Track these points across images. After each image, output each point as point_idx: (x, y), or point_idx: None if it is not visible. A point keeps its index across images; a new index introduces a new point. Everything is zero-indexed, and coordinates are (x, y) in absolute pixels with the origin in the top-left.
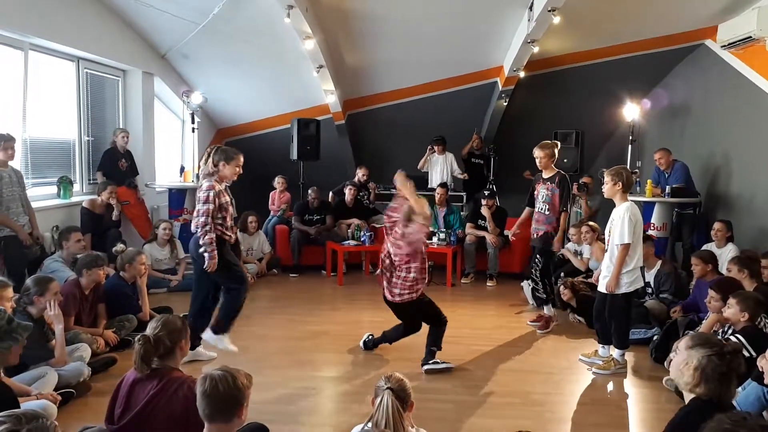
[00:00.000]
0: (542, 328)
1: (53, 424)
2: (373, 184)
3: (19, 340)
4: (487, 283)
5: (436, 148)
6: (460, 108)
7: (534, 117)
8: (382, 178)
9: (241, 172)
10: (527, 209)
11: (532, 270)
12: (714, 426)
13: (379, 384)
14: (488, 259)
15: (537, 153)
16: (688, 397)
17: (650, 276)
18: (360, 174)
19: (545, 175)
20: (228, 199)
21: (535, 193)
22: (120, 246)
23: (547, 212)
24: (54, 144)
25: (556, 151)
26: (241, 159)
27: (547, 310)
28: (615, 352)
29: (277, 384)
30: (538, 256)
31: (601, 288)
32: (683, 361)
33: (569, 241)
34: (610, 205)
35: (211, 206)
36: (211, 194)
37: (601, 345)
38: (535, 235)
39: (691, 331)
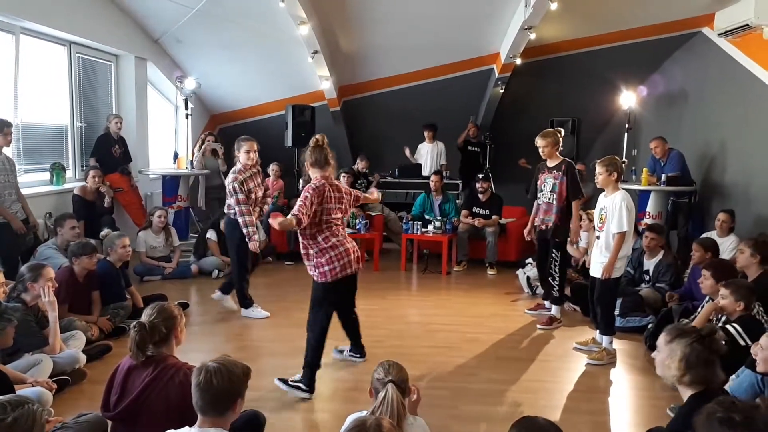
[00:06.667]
0: (545, 324)
1: (41, 409)
2: (378, 175)
3: (12, 321)
4: (488, 272)
5: (426, 134)
6: (456, 95)
7: (530, 104)
8: (379, 166)
9: (256, 156)
10: (536, 203)
11: (551, 266)
12: (705, 416)
13: (378, 376)
14: (487, 247)
15: (539, 142)
16: (682, 392)
17: (650, 264)
18: (360, 165)
19: (550, 163)
20: (252, 185)
21: (539, 183)
22: (105, 231)
23: (554, 201)
24: (46, 130)
25: (559, 138)
26: (252, 144)
27: (556, 311)
28: (604, 340)
29: (273, 371)
30: (554, 250)
31: (596, 273)
32: (667, 357)
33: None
34: (598, 192)
35: (240, 195)
36: (236, 185)
37: (598, 331)
38: (544, 227)
39: (685, 319)
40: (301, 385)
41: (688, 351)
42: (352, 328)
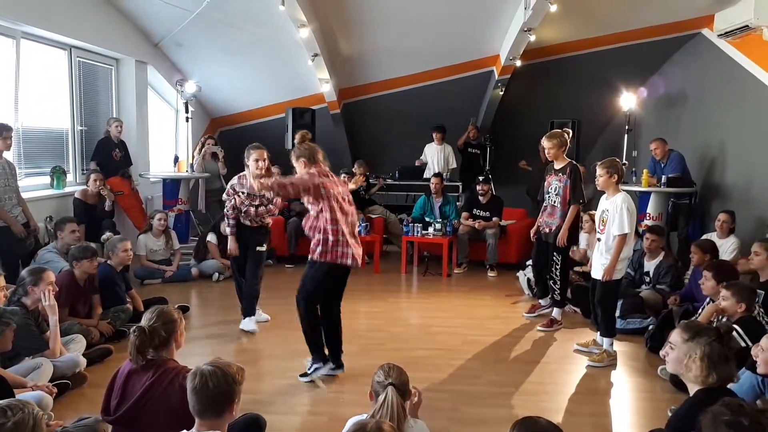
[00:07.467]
0: (545, 326)
1: (41, 413)
2: (382, 179)
3: (10, 324)
4: (489, 274)
5: (435, 136)
6: (456, 97)
7: (530, 106)
8: (379, 167)
9: (264, 164)
10: (543, 205)
11: (552, 270)
12: (712, 418)
13: (378, 379)
14: (488, 249)
15: (545, 143)
16: (692, 388)
17: (651, 266)
18: (359, 172)
19: (557, 165)
20: (244, 191)
21: (546, 185)
22: (107, 234)
23: (558, 204)
24: (47, 134)
25: (566, 139)
26: (261, 153)
27: (557, 314)
28: (604, 342)
29: (273, 374)
30: (555, 254)
31: (597, 275)
32: (685, 355)
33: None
34: (599, 194)
35: (224, 195)
36: (228, 189)
37: (599, 333)
38: (547, 230)
39: (685, 321)
40: (316, 366)
41: (709, 350)
42: (333, 332)
